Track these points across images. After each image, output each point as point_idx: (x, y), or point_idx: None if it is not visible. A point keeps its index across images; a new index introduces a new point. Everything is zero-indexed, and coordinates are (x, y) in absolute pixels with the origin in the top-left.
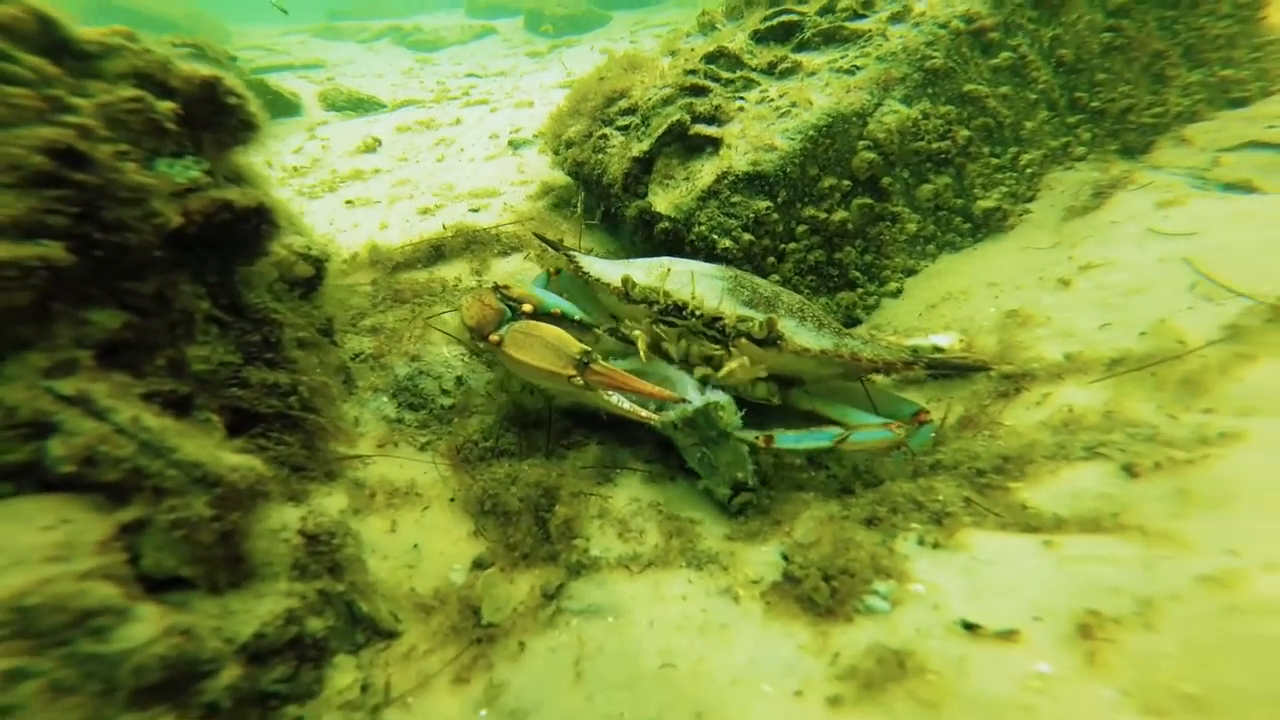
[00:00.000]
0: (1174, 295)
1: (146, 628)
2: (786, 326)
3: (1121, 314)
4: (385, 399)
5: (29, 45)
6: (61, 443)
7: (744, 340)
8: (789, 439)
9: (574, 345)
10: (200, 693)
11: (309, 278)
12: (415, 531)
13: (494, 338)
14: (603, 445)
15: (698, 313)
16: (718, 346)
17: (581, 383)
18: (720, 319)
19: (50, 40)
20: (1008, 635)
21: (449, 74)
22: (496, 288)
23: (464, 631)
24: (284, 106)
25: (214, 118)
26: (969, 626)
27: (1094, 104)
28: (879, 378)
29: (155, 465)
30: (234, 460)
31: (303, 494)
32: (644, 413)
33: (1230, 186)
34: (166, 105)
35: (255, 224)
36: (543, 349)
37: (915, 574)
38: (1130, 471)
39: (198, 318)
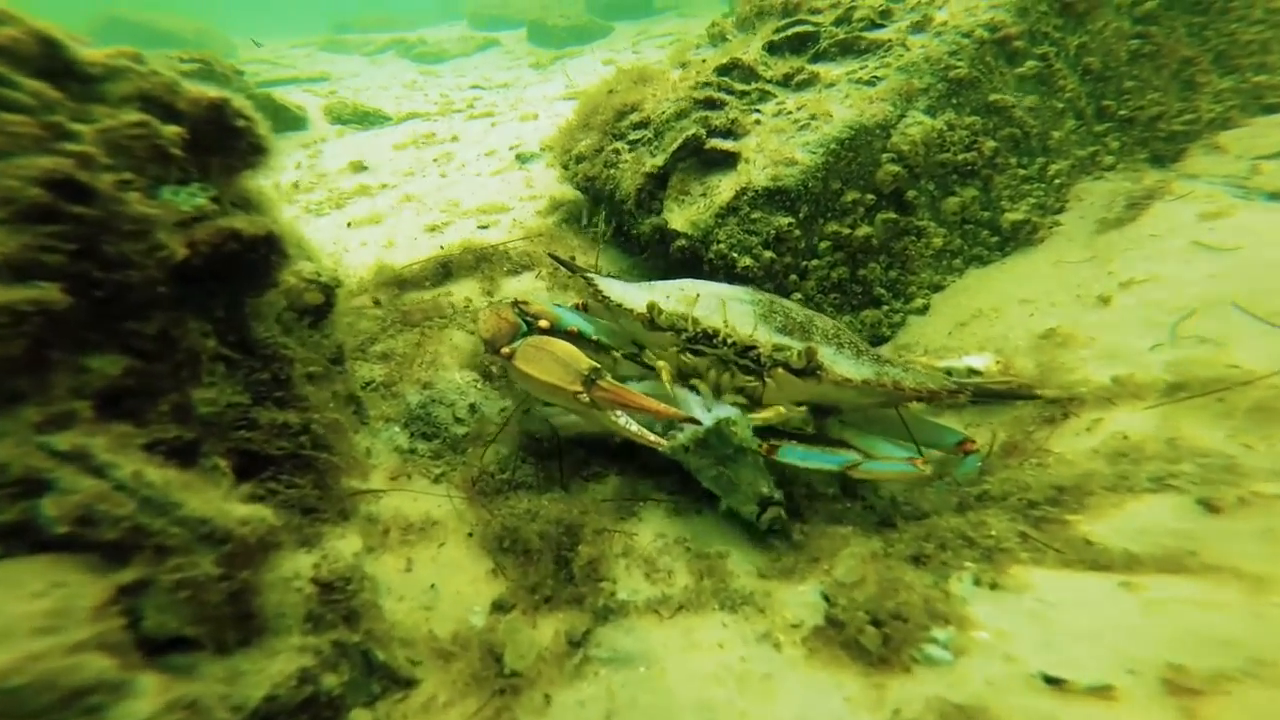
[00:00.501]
0: (1231, 315)
1: (146, 704)
2: (825, 355)
3: (1173, 334)
4: (397, 429)
5: (29, 69)
6: (55, 502)
7: (780, 371)
8: (794, 454)
9: (584, 361)
10: None
11: (319, 305)
12: (431, 570)
13: (506, 350)
14: (622, 476)
15: (730, 341)
16: (752, 378)
17: (587, 400)
18: (755, 348)
19: (52, 63)
20: (1101, 691)
21: (453, 86)
22: (515, 303)
23: (485, 681)
24: (289, 120)
25: (222, 141)
26: (1052, 681)
27: (1122, 112)
28: (917, 405)
29: (158, 523)
30: (243, 512)
31: (315, 538)
32: (651, 436)
33: (1275, 196)
34: (172, 130)
35: (264, 253)
36: (551, 363)
37: (977, 619)
38: (1209, 506)
39: (204, 358)
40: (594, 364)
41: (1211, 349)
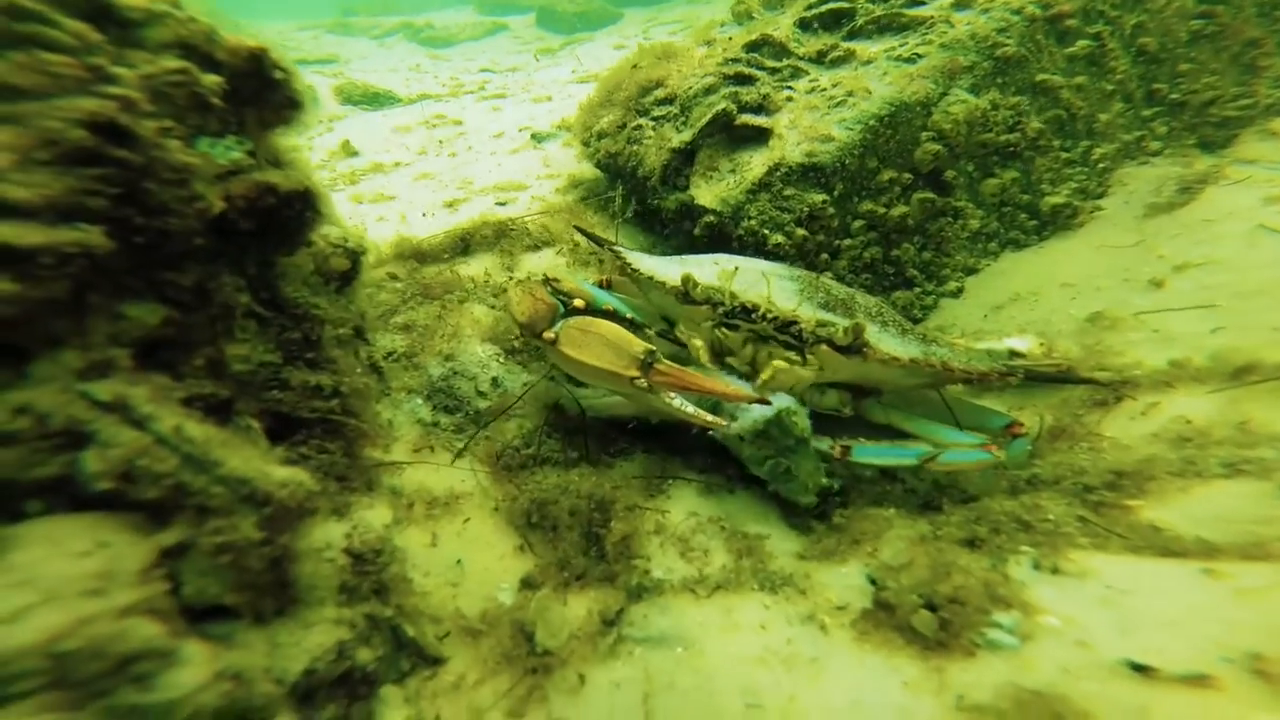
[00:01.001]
0: None
1: (195, 672)
2: (871, 332)
3: (1236, 317)
4: (419, 401)
5: (70, 8)
6: (98, 456)
7: (824, 347)
8: (868, 451)
9: (637, 344)
10: None
11: (344, 272)
12: (457, 545)
13: (549, 335)
14: (649, 454)
15: (770, 315)
16: (793, 354)
17: (645, 385)
18: (796, 323)
19: (92, 4)
20: (1198, 680)
21: (462, 69)
22: (547, 280)
23: (516, 659)
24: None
25: (260, 93)
26: (1139, 668)
27: (1173, 95)
28: (958, 388)
29: (199, 482)
30: (282, 474)
31: (345, 507)
32: (709, 417)
33: None
34: (212, 79)
35: (299, 210)
36: (602, 347)
37: (1042, 604)
38: None
39: (237, 313)
40: (648, 345)
41: None
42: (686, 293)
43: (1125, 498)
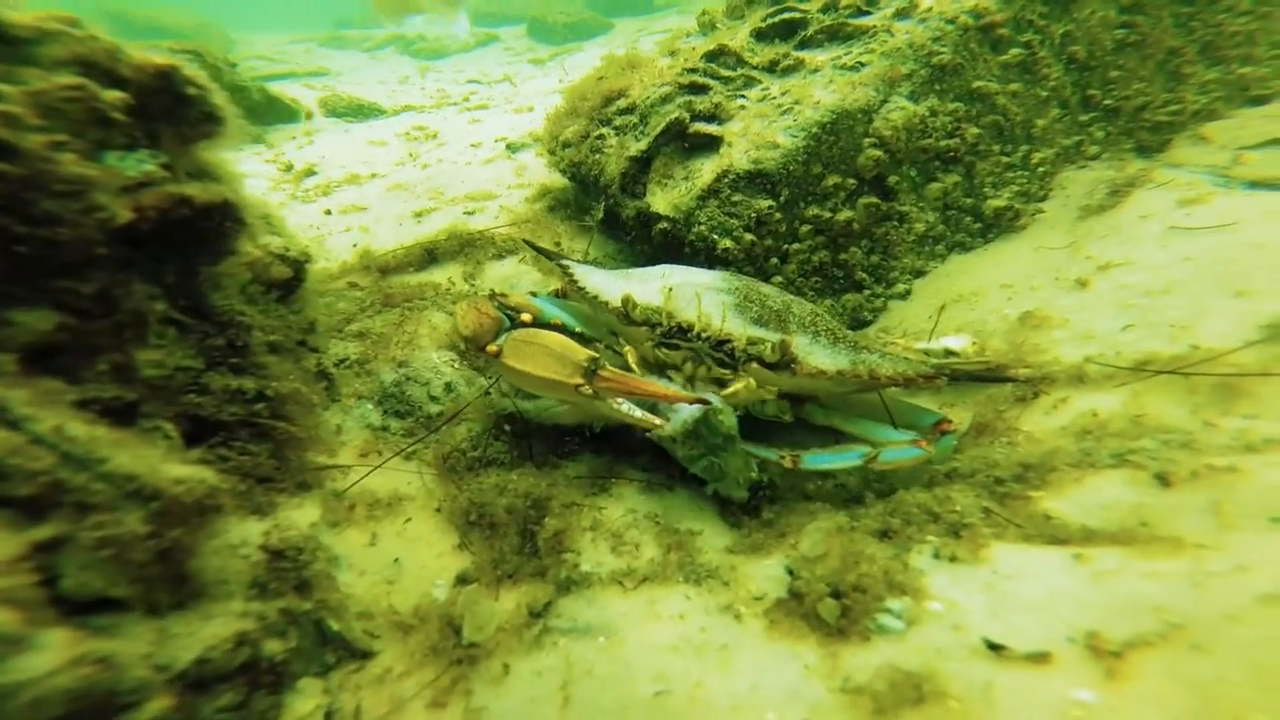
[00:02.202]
0: (1202, 294)
1: (49, 657)
2: (800, 346)
3: (1145, 315)
4: (370, 406)
5: None
6: None
7: (754, 364)
8: (817, 459)
9: (580, 352)
10: None
11: (287, 280)
12: (397, 545)
13: (492, 348)
14: (597, 455)
15: (704, 335)
16: (727, 371)
17: (590, 392)
18: (729, 341)
19: None
20: (1039, 658)
21: (450, 80)
22: (493, 295)
23: (444, 652)
24: (283, 112)
25: (172, 109)
26: (994, 647)
27: (1107, 101)
28: (894, 389)
29: (79, 479)
30: (179, 472)
31: (268, 506)
32: (655, 420)
33: (1256, 184)
34: (113, 95)
35: (218, 221)
36: (545, 358)
37: (932, 590)
38: (1163, 480)
39: (151, 320)
40: (591, 354)
41: (1180, 329)
42: (627, 314)
43: (1029, 489)
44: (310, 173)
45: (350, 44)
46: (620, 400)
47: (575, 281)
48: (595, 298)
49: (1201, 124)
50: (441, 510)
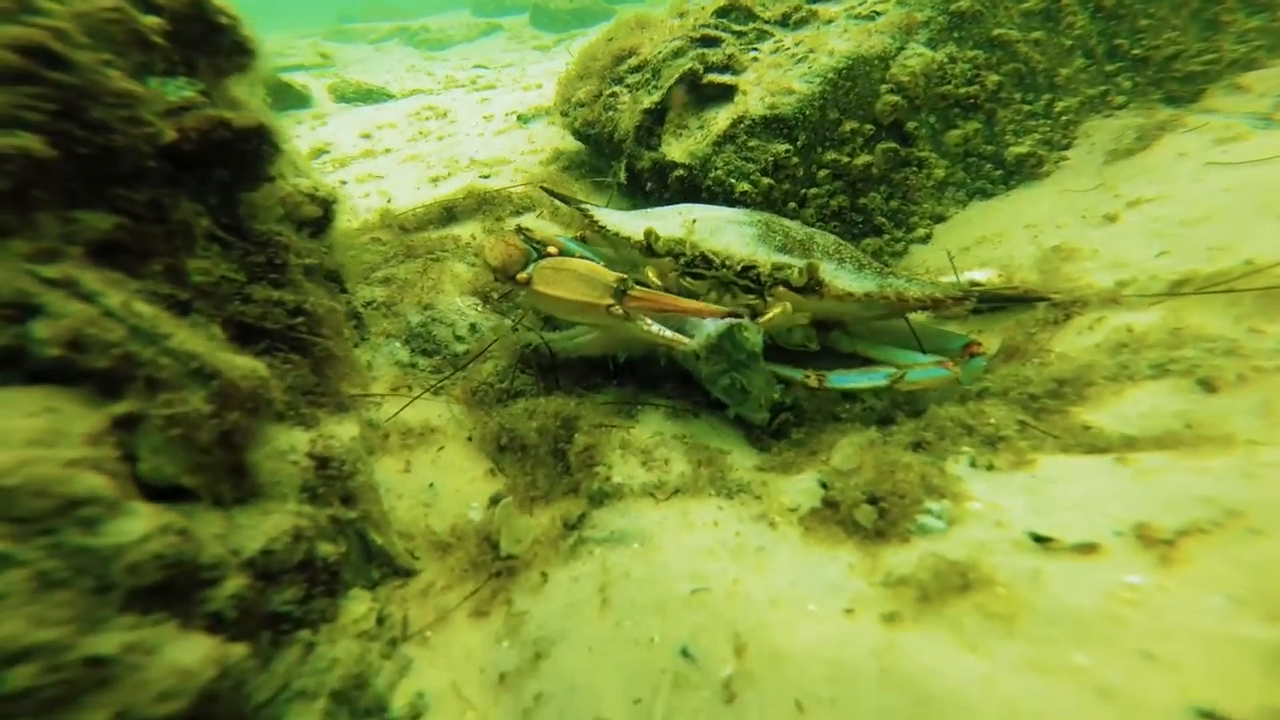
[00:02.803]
0: (1244, 219)
1: (141, 523)
2: (826, 271)
3: (1179, 242)
4: (398, 344)
5: None
6: (46, 324)
7: (781, 289)
8: (841, 379)
9: (609, 275)
10: (203, 601)
11: (316, 219)
12: (430, 471)
13: (522, 276)
14: (620, 388)
15: (729, 263)
16: (753, 297)
17: (621, 312)
18: (754, 267)
19: None
20: (1086, 548)
21: (457, 67)
22: (519, 230)
23: (483, 566)
24: (293, 98)
25: (205, 38)
26: (1040, 539)
27: (1136, 51)
28: (920, 315)
29: (148, 353)
30: (235, 359)
31: (312, 419)
32: (684, 339)
33: None
34: (151, 20)
35: (255, 145)
36: (575, 282)
37: (972, 493)
38: (1208, 386)
39: (197, 232)
40: (620, 275)
41: (1220, 250)
42: (649, 246)
43: (1066, 404)
44: (323, 151)
45: (355, 37)
46: (649, 321)
47: (596, 221)
48: (617, 234)
49: (1240, 74)
50: (473, 439)
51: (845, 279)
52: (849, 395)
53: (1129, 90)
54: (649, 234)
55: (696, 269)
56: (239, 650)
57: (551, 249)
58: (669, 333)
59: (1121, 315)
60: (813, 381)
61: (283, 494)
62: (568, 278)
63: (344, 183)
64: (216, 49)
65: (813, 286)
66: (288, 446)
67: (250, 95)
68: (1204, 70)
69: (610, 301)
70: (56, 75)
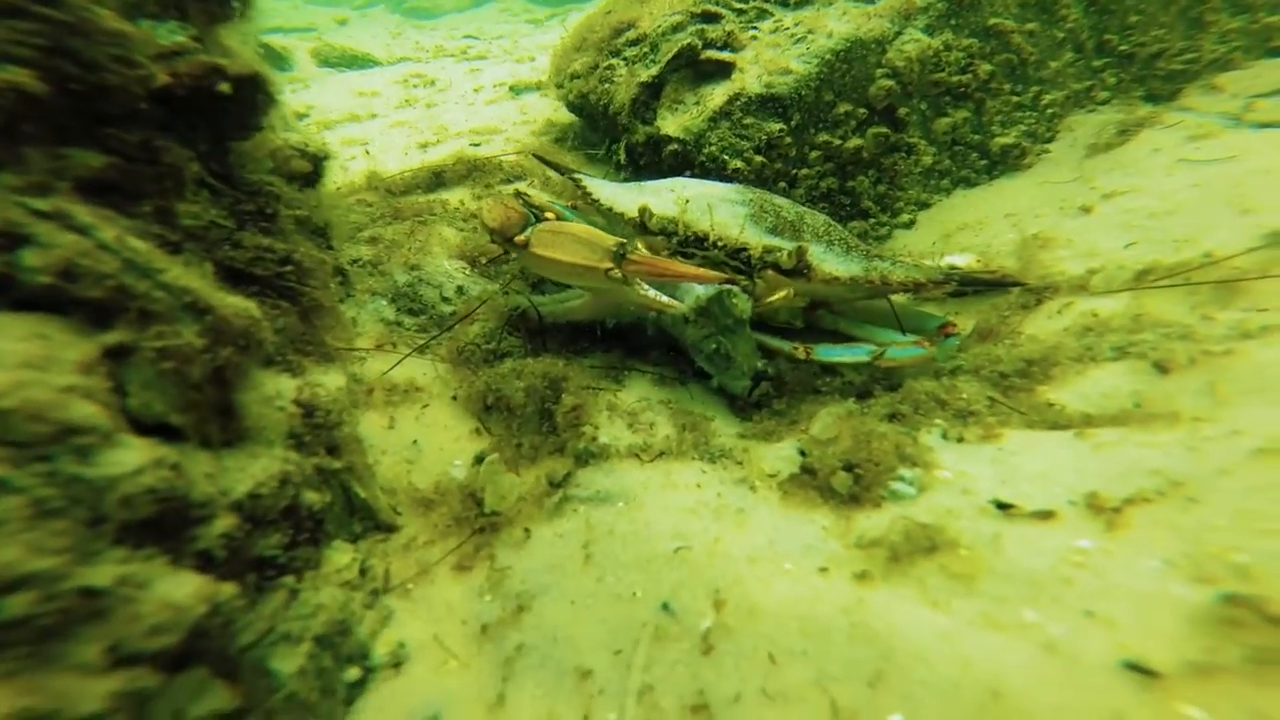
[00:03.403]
0: (1208, 213)
1: (134, 455)
2: (814, 254)
3: (1148, 233)
4: (384, 302)
5: None
6: (37, 253)
7: (770, 272)
8: (828, 352)
9: (608, 238)
10: (194, 539)
11: (306, 174)
12: (415, 428)
13: (520, 239)
14: (608, 353)
15: (720, 244)
16: (743, 278)
17: (620, 275)
18: (745, 249)
19: None
20: (1044, 515)
21: (446, 37)
22: (518, 194)
23: (466, 522)
24: (274, 61)
25: None
26: (1002, 506)
27: (1123, 47)
28: (900, 297)
29: (142, 285)
30: (228, 297)
31: (299, 367)
32: (678, 304)
33: (1265, 126)
34: None
35: (249, 94)
36: (574, 244)
37: (942, 463)
38: (1162, 368)
39: (187, 177)
40: (619, 239)
41: (1184, 242)
42: (643, 223)
43: (1033, 383)
44: (302, 115)
45: (339, 1)
46: (645, 285)
47: (589, 193)
48: (610, 209)
49: (1216, 74)
50: (457, 398)
51: (833, 262)
52: (830, 369)
53: (1113, 86)
54: (643, 211)
55: (688, 249)
56: (228, 589)
57: (550, 215)
58: (664, 297)
59: (1089, 301)
60: (801, 354)
61: (269, 439)
62: (566, 241)
63: (328, 150)
64: None
65: (801, 270)
66: (275, 392)
67: (243, 45)
68: (1184, 69)
69: (610, 265)
70: (46, 10)
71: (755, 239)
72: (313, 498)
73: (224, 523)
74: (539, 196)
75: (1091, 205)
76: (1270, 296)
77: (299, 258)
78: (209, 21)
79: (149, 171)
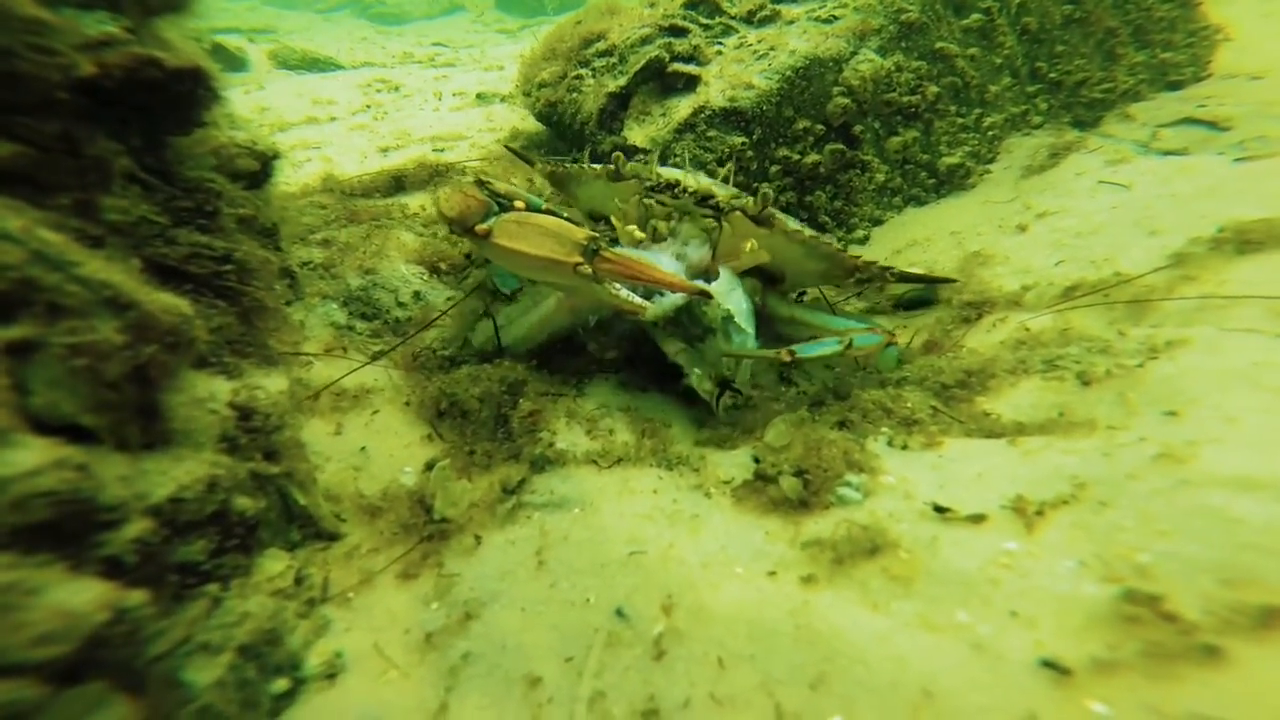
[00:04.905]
0: (1122, 234)
1: (31, 455)
2: (777, 212)
3: (1074, 252)
4: (335, 306)
5: None
6: None
7: (738, 215)
8: (808, 349)
9: (578, 231)
10: (100, 544)
11: (253, 173)
12: (363, 435)
13: (481, 228)
14: (574, 358)
15: (690, 190)
16: (712, 221)
17: (589, 271)
18: (713, 196)
19: None
20: (977, 518)
21: (414, 43)
22: (480, 182)
23: (414, 529)
24: (229, 61)
25: None
26: (939, 509)
27: (1052, 75)
28: (853, 304)
29: (52, 278)
30: (155, 294)
31: (236, 369)
32: (646, 304)
33: (1169, 153)
34: None
35: (189, 87)
36: (542, 237)
37: (887, 469)
38: (1084, 380)
39: (114, 170)
40: (591, 233)
41: (1103, 261)
42: (617, 170)
43: (972, 394)
44: (251, 120)
45: (301, 3)
46: (615, 285)
47: (557, 167)
48: (582, 169)
49: (1129, 104)
50: (410, 404)
51: (792, 222)
52: (785, 379)
53: (1045, 111)
54: (616, 159)
55: (659, 193)
56: (137, 596)
57: (519, 204)
58: (635, 297)
59: (1021, 315)
60: (785, 357)
61: (198, 442)
62: (533, 232)
63: (292, 148)
64: None
65: (766, 217)
66: (207, 394)
67: (184, 38)
68: (1103, 98)
69: (579, 260)
70: None
71: (722, 191)
72: (245, 503)
73: (137, 527)
74: (504, 185)
75: (1027, 224)
76: (1173, 312)
77: (240, 257)
78: (145, 13)
79: (68, 164)
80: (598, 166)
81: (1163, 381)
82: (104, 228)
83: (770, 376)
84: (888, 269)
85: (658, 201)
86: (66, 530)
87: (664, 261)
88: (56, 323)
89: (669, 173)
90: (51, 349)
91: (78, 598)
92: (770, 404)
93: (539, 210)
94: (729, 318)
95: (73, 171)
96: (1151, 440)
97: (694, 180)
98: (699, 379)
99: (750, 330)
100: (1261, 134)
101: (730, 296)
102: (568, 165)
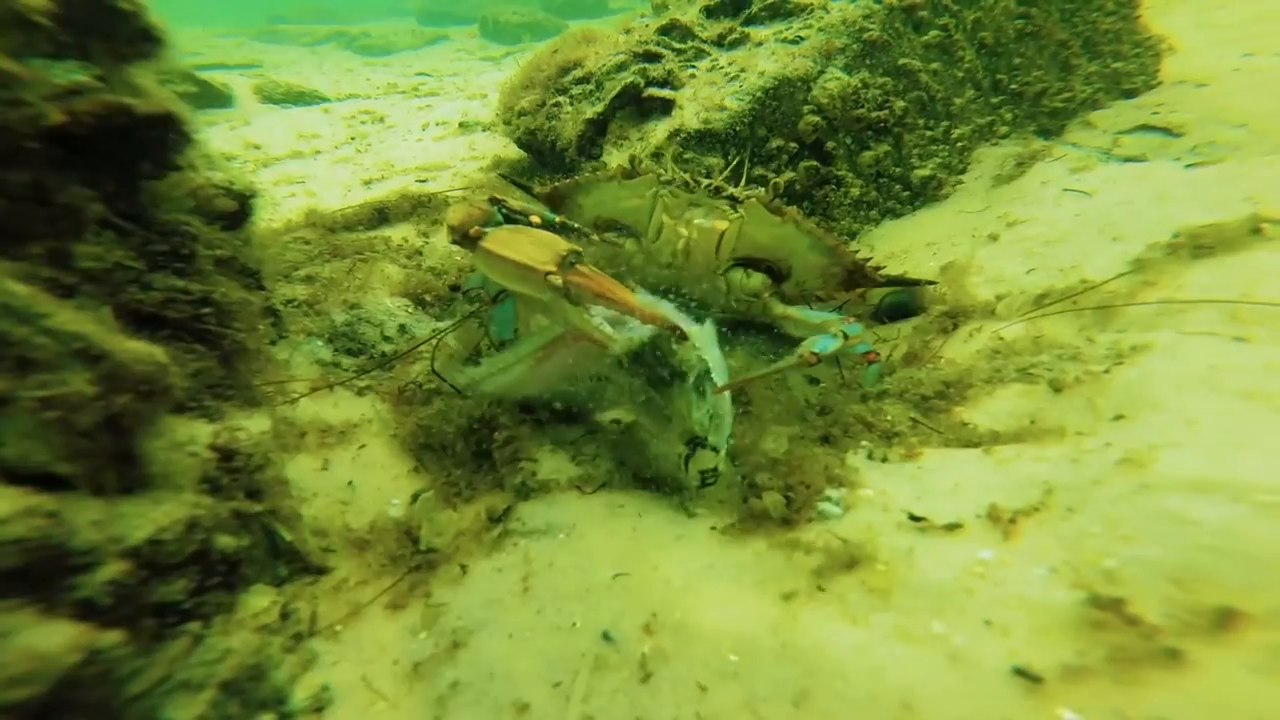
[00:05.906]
0: (1088, 241)
1: (1, 504)
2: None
3: (1044, 261)
4: (320, 343)
5: None
6: None
7: (753, 201)
8: (819, 344)
9: (562, 244)
10: (73, 587)
11: (232, 213)
12: (350, 470)
13: (475, 231)
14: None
15: (705, 184)
16: (725, 206)
17: (560, 283)
18: (728, 190)
19: None
20: (953, 528)
21: (399, 74)
22: (494, 199)
23: (401, 560)
24: (213, 97)
25: (100, 21)
26: (916, 519)
27: (1013, 86)
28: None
29: (20, 331)
30: (128, 342)
31: (217, 411)
32: (615, 337)
33: (1129, 160)
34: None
35: (160, 133)
36: (526, 244)
37: (866, 482)
38: (1055, 387)
39: (88, 219)
40: (574, 247)
41: (1070, 269)
42: (633, 168)
43: (951, 404)
44: (233, 157)
45: (287, 38)
46: (590, 310)
47: (561, 186)
48: (590, 174)
49: (1089, 112)
50: (396, 437)
51: (798, 215)
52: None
53: (1010, 121)
54: (633, 158)
55: (674, 186)
56: (111, 637)
57: (535, 219)
58: (606, 327)
59: (996, 324)
60: (809, 358)
61: (178, 485)
62: (521, 241)
63: (277, 184)
64: (114, 34)
65: (778, 208)
66: (187, 438)
67: (157, 85)
68: (1064, 107)
69: (553, 268)
70: None
71: (734, 188)
72: (227, 542)
73: (111, 569)
74: (520, 203)
75: (998, 234)
76: (1136, 317)
77: (219, 299)
78: (116, 61)
79: (39, 213)
80: (610, 168)
81: (1127, 386)
82: (77, 275)
83: (798, 379)
84: (879, 268)
85: (672, 193)
86: (38, 575)
87: (664, 306)
88: (27, 376)
89: (681, 175)
90: (21, 402)
91: (49, 640)
92: (757, 420)
93: (551, 226)
94: (706, 372)
95: (44, 220)
96: (1116, 445)
97: (711, 178)
98: (666, 441)
99: (722, 381)
100: (1211, 139)
101: (710, 350)
102: (571, 179)
